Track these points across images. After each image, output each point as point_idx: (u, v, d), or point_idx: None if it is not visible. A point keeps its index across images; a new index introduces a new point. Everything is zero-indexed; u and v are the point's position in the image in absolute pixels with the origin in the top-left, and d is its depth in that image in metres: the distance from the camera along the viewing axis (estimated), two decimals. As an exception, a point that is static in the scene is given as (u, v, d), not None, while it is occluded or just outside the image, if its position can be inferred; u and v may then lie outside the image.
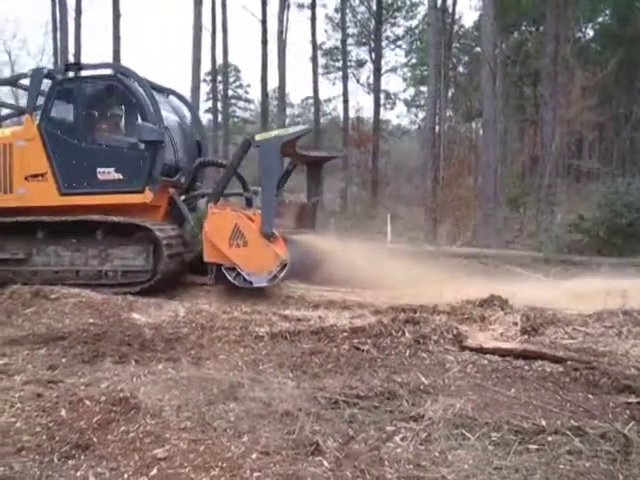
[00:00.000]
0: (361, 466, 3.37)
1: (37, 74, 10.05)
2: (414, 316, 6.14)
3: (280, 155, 8.55)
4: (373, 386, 4.47)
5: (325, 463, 3.43)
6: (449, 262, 11.51)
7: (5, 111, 12.35)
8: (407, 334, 5.68)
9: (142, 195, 9.20)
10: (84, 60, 26.62)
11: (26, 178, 9.58)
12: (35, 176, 9.52)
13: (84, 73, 10.16)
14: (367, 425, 3.90)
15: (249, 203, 9.54)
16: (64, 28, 26.64)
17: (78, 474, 3.38)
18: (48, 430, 3.90)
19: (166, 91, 11.03)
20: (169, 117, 10.10)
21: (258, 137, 8.52)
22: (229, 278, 8.39)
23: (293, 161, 9.82)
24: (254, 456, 3.52)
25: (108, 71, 10.19)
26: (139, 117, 9.45)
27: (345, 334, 5.76)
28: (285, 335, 5.90)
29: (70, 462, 3.51)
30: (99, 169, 9.26)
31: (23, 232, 9.36)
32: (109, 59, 26.12)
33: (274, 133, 8.55)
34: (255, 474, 3.32)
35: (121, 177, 9.23)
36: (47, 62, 28.74)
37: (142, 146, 9.21)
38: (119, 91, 9.65)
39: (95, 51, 63.15)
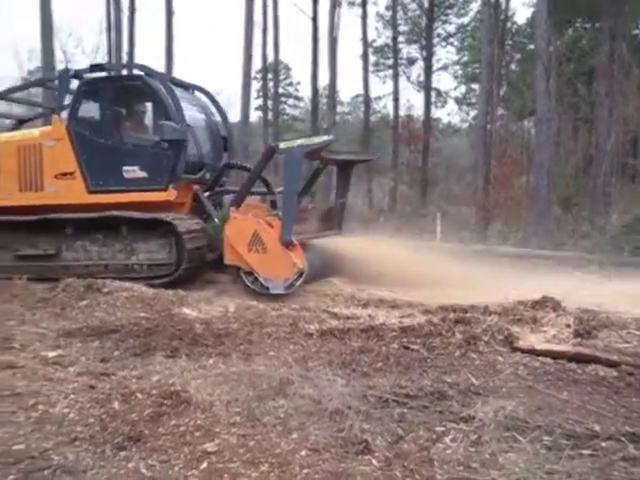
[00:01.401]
0: (410, 466, 3.35)
1: (65, 75, 10.32)
2: (464, 316, 6.07)
3: (302, 165, 8.74)
4: (423, 386, 4.43)
5: (374, 462, 3.42)
6: (500, 262, 11.34)
7: (35, 110, 12.69)
8: (457, 334, 5.62)
9: (165, 193, 9.44)
10: (137, 59, 27.11)
11: (56, 177, 9.87)
12: (64, 175, 9.81)
13: (109, 74, 10.47)
14: (417, 425, 3.87)
15: (273, 205, 9.58)
16: (118, 27, 27.09)
17: (130, 465, 3.43)
18: (101, 421, 3.97)
19: (192, 88, 11.24)
20: (194, 114, 10.32)
21: (282, 145, 8.60)
22: (246, 282, 8.55)
23: (322, 162, 9.91)
24: (303, 453, 3.52)
25: (132, 71, 10.43)
26: (162, 116, 9.61)
27: (394, 333, 5.73)
28: (334, 333, 5.89)
29: (122, 453, 3.57)
30: (125, 167, 9.53)
31: (53, 229, 9.67)
32: (162, 57, 26.54)
33: (298, 142, 8.58)
34: (304, 471, 3.32)
35: (145, 175, 9.48)
36: (101, 60, 29.14)
37: (165, 145, 9.37)
38: (143, 90, 9.89)
39: (148, 49, 64.09)
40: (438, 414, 4.04)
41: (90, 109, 10.03)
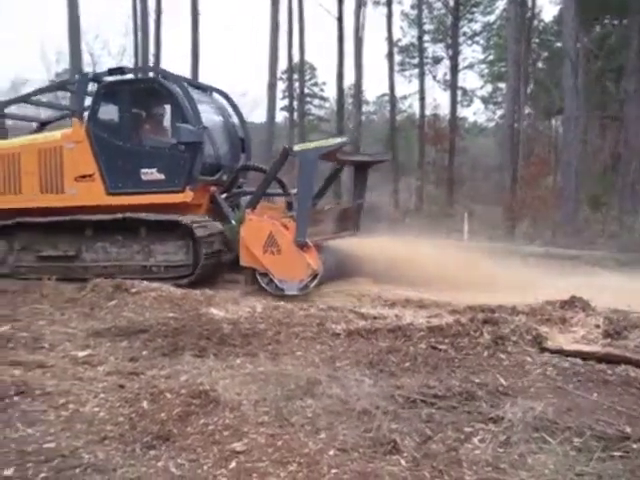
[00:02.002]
0: (439, 466, 3.34)
1: (84, 78, 10.52)
2: (492, 316, 6.02)
3: (316, 167, 8.72)
4: (451, 386, 4.41)
5: (402, 462, 3.41)
6: (528, 262, 11.27)
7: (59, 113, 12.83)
8: (485, 334, 5.58)
9: (183, 194, 9.54)
10: (164, 60, 27.29)
11: (76, 179, 10.05)
12: (84, 177, 10.00)
13: (127, 77, 10.58)
14: (445, 425, 3.86)
15: (289, 207, 9.62)
16: (144, 28, 27.25)
17: (159, 464, 3.46)
18: (130, 420, 4.00)
19: (209, 90, 11.39)
20: (211, 116, 10.47)
21: (297, 147, 8.70)
22: (262, 284, 8.65)
23: (339, 164, 9.94)
24: (331, 453, 3.53)
25: (149, 74, 10.52)
26: (179, 119, 9.70)
27: (422, 333, 5.70)
28: (362, 333, 5.88)
29: (151, 452, 3.60)
30: (143, 170, 9.67)
31: (73, 230, 9.83)
32: (188, 58, 26.66)
33: (313, 144, 8.66)
34: (332, 471, 3.32)
35: (163, 177, 9.61)
36: (128, 62, 29.41)
37: (182, 147, 9.46)
38: (160, 93, 10.00)
39: (174, 50, 64.37)
40: (466, 414, 4.02)
41: (109, 112, 10.20)
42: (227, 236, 9.45)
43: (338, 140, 8.82)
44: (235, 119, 11.46)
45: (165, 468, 3.41)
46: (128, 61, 29.40)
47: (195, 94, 10.18)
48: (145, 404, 4.23)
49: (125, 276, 9.09)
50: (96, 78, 10.61)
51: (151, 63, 27.17)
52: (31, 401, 4.35)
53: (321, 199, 10.32)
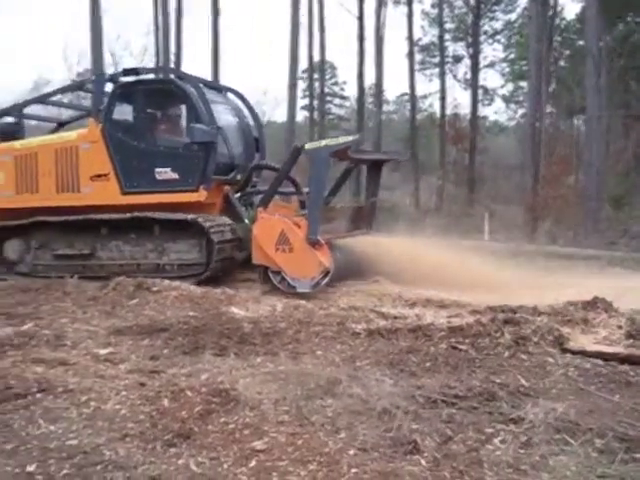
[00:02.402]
0: (460, 467, 3.33)
1: (100, 79, 10.65)
2: (513, 316, 5.98)
3: (328, 165, 8.75)
4: (472, 386, 4.39)
5: (423, 462, 3.40)
6: (549, 262, 11.22)
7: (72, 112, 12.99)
8: (506, 335, 5.54)
9: (196, 194, 9.60)
10: (184, 60, 27.40)
11: (91, 178, 10.15)
12: (99, 176, 10.09)
13: (142, 77, 10.60)
14: (466, 426, 3.84)
15: (302, 205, 9.63)
16: (165, 28, 27.36)
17: (180, 462, 3.47)
18: (151, 418, 4.02)
19: (224, 89, 11.55)
20: (226, 116, 10.55)
21: (308, 146, 8.76)
22: (274, 281, 8.69)
23: (352, 162, 9.98)
24: (352, 452, 3.52)
25: (164, 75, 10.62)
26: (193, 119, 9.77)
27: (443, 333, 5.68)
28: (382, 332, 5.86)
29: (172, 450, 3.61)
30: (157, 169, 9.75)
31: (89, 229, 9.95)
32: (208, 58, 26.75)
33: (324, 142, 8.72)
34: (352, 470, 3.32)
35: (177, 177, 9.68)
36: (149, 62, 29.54)
37: (195, 147, 9.54)
38: (174, 93, 10.08)
39: (195, 50, 64.72)
40: (487, 415, 4.00)
41: (124, 112, 10.29)
42: (240, 235, 9.50)
43: (349, 138, 8.84)
44: (250, 119, 11.53)
45: (185, 466, 3.43)
46: (149, 61, 29.56)
47: (210, 94, 10.27)
48: (166, 402, 4.25)
49: (139, 274, 9.20)
50: (112, 79, 10.72)
51: (172, 63, 27.28)
52: (53, 398, 4.38)
53: (334, 197, 10.35)
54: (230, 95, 11.66)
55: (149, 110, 10.42)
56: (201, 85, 10.28)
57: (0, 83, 63.95)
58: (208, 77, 25.58)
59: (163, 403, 4.23)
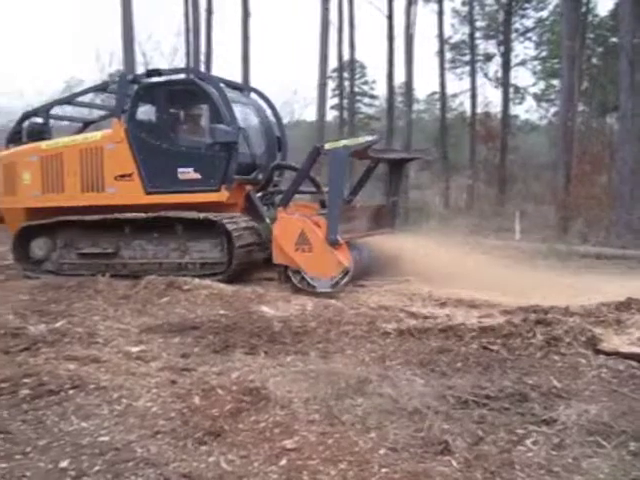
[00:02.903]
0: (491, 468, 3.31)
1: (123, 80, 10.85)
2: (545, 317, 5.92)
3: (346, 165, 8.93)
4: (503, 387, 4.35)
5: (454, 463, 3.38)
6: (581, 262, 11.13)
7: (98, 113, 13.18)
8: (538, 335, 5.48)
9: (218, 193, 9.69)
10: (215, 60, 27.51)
11: (115, 178, 10.28)
12: (123, 176, 10.23)
13: (164, 78, 10.77)
14: (497, 427, 3.81)
15: (323, 205, 9.63)
16: (196, 29, 27.47)
17: (210, 460, 3.49)
18: (182, 416, 4.05)
19: (247, 89, 11.75)
20: (247, 115, 10.69)
21: (327, 146, 8.74)
22: (294, 281, 8.73)
23: (373, 161, 9.98)
24: (382, 452, 3.52)
25: (186, 75, 10.75)
26: (215, 119, 9.84)
27: (474, 333, 5.63)
28: (412, 332, 5.83)
29: (203, 448, 3.64)
30: (179, 169, 9.86)
31: (112, 228, 10.09)
32: (238, 57, 26.85)
33: (342, 143, 8.72)
34: (383, 470, 3.31)
35: (199, 177, 9.79)
36: (179, 62, 29.67)
37: (217, 147, 9.62)
38: (196, 94, 10.16)
39: (225, 50, 64.94)
40: (519, 416, 3.97)
41: (147, 112, 10.45)
42: (261, 234, 9.56)
43: (368, 138, 8.84)
44: (272, 118, 11.61)
45: (216, 464, 3.45)
46: (180, 61, 29.67)
47: (231, 94, 10.39)
48: (197, 400, 4.28)
49: (161, 273, 9.33)
50: (135, 80, 10.87)
51: (202, 63, 27.41)
52: (86, 395, 4.43)
53: (356, 196, 10.43)
54: (252, 94, 11.79)
55: (171, 111, 10.53)
56: (222, 85, 10.36)
57: (32, 84, 64.75)
58: (238, 77, 25.76)
59: (194, 401, 4.26)
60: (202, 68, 26.85)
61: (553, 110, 37.11)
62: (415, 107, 39.29)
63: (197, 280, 8.52)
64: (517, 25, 35.41)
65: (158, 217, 9.63)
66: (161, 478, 3.28)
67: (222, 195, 9.69)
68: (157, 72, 10.89)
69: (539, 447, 3.56)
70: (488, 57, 36.86)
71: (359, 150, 8.67)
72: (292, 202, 9.55)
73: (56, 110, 12.71)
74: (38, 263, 10.86)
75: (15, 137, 11.92)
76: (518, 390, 4.32)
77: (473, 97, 32.71)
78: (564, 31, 22.77)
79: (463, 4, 34.96)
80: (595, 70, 31.43)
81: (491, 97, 67.53)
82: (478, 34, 35.62)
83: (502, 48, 34.14)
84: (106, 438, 3.77)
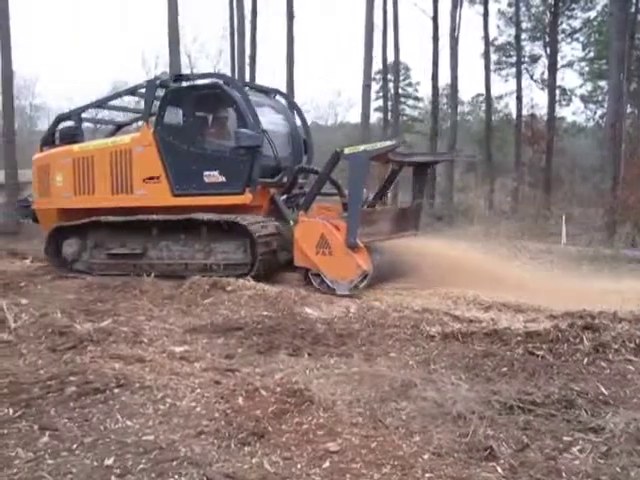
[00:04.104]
0: (537, 475, 3.26)
1: (151, 84, 10.98)
2: (592, 322, 5.82)
3: (366, 169, 8.96)
4: (549, 393, 4.27)
5: (499, 469, 3.34)
6: (630, 267, 10.91)
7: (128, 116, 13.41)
8: (585, 341, 5.39)
9: (242, 196, 9.80)
10: (259, 62, 27.67)
11: (144, 180, 10.49)
12: (151, 179, 10.44)
13: (191, 83, 11.03)
14: (543, 433, 3.75)
15: (346, 207, 9.60)
16: (241, 31, 27.65)
17: (253, 461, 3.49)
18: (226, 416, 4.07)
19: (273, 92, 11.81)
20: (273, 119, 10.80)
21: (347, 150, 8.79)
22: (314, 283, 8.85)
23: (397, 165, 10.04)
24: (426, 456, 3.49)
25: (212, 80, 10.90)
26: (239, 123, 9.96)
27: (519, 338, 5.56)
28: (457, 336, 5.79)
29: (246, 448, 3.64)
30: (205, 172, 10.02)
31: (140, 229, 10.29)
32: (283, 59, 26.95)
33: (362, 147, 8.77)
34: (427, 475, 3.29)
35: (224, 180, 9.92)
36: (224, 64, 29.98)
37: (241, 151, 9.72)
38: (221, 98, 10.30)
39: (270, 52, 65.25)
40: (565, 423, 3.91)
41: (174, 116, 10.57)
42: (284, 236, 9.61)
43: (387, 143, 9.00)
44: (298, 121, 11.72)
45: (259, 465, 3.45)
46: (225, 63, 29.93)
47: (257, 98, 10.60)
48: (240, 400, 4.29)
49: (187, 273, 9.53)
50: (163, 84, 11.00)
51: (247, 65, 27.59)
52: (131, 394, 4.47)
53: (380, 200, 10.57)
54: (279, 98, 11.93)
55: (198, 115, 10.69)
56: (247, 89, 10.58)
57: (81, 88, 65.86)
58: (282, 79, 25.86)
59: (238, 401, 4.28)
60: (247, 70, 27.07)
61: (600, 112, 36.55)
62: (460, 109, 39.00)
63: (241, 281, 8.60)
64: (564, 26, 35.03)
65: (184, 219, 9.79)
66: (204, 478, 3.29)
67: (246, 198, 9.81)
68: (184, 77, 11.19)
69: (586, 455, 3.50)
70: (534, 59, 36.49)
71: (379, 154, 8.76)
72: (315, 204, 9.74)
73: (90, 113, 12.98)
74: (69, 263, 11.14)
75: (49, 140, 12.30)
76: (564, 396, 4.24)
77: (519, 99, 32.41)
78: (612, 31, 22.43)
79: (509, 5, 34.73)
80: (645, 71, 30.85)
81: (537, 99, 66.82)
82: (524, 35, 35.30)
83: (548, 49, 33.77)
84: (150, 437, 3.80)
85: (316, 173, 10.31)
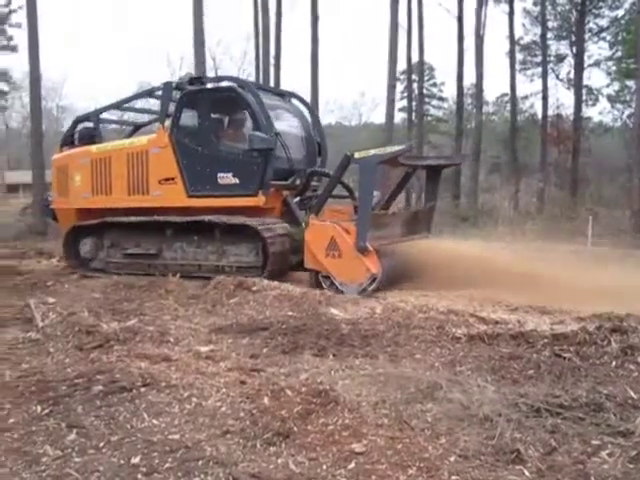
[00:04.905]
0: (565, 479, 3.23)
1: (167, 87, 11.13)
2: (621, 325, 5.74)
3: (376, 173, 9.01)
4: (577, 396, 4.22)
5: (526, 472, 3.32)
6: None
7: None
8: (613, 344, 5.33)
9: (255, 198, 9.91)
10: (284, 63, 27.72)
11: (159, 181, 10.65)
12: (167, 180, 10.59)
13: (206, 86, 11.09)
14: (571, 437, 3.71)
15: (357, 211, 9.61)
16: (265, 32, 27.71)
17: (279, 461, 3.50)
18: (251, 416, 4.07)
19: (288, 95, 12.00)
20: (287, 122, 11.01)
21: (357, 155, 8.88)
22: (323, 285, 8.91)
23: (410, 168, 10.10)
24: (452, 459, 3.47)
25: (227, 84, 11.03)
26: (252, 126, 10.10)
27: (546, 340, 5.50)
28: (483, 337, 5.74)
29: (272, 448, 3.65)
30: (219, 174, 10.17)
31: (155, 230, 10.45)
32: (307, 60, 26.99)
33: (372, 152, 8.84)
34: (453, 477, 3.28)
35: (237, 182, 10.06)
36: (248, 66, 30.08)
37: (254, 154, 9.83)
38: (235, 101, 10.45)
39: (294, 53, 65.41)
40: (594, 427, 3.86)
41: (189, 119, 10.71)
42: (296, 238, 9.67)
43: (396, 148, 9.00)
44: (312, 124, 11.81)
45: (285, 465, 3.45)
46: (249, 64, 30.02)
47: (271, 101, 10.74)
48: (266, 400, 4.30)
49: (200, 274, 9.72)
50: (178, 87, 11.13)
51: (272, 66, 27.65)
52: (157, 393, 4.50)
53: (392, 203, 10.60)
54: (294, 100, 12.05)
55: (213, 117, 10.84)
56: (261, 92, 10.67)
57: (107, 89, 66.43)
58: (307, 80, 25.89)
59: (263, 401, 4.28)
60: (271, 71, 27.13)
61: (628, 112, 36.12)
62: (485, 109, 38.81)
63: (266, 281, 8.63)
64: (591, 24, 34.57)
65: (196, 221, 9.93)
66: (230, 478, 3.30)
67: (259, 200, 9.92)
68: (199, 80, 11.23)
69: (615, 459, 3.46)
70: (560, 58, 36.12)
71: (390, 158, 8.82)
72: (327, 206, 9.83)
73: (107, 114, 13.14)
74: (86, 261, 11.36)
75: (68, 140, 12.50)
76: (592, 400, 4.19)
77: (544, 99, 32.12)
78: (640, 30, 22.18)
79: (534, 4, 34.38)
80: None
81: (563, 99, 66.17)
82: (550, 34, 34.94)
83: (575, 48, 33.42)
84: (176, 436, 3.82)
85: (328, 176, 10.42)
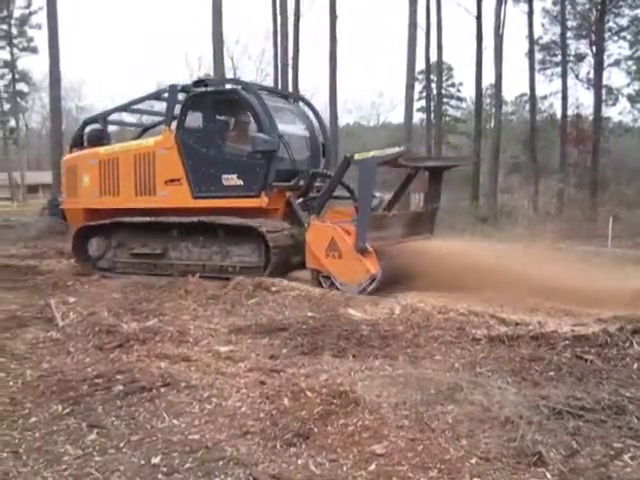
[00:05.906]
0: (587, 482, 3.21)
1: (173, 89, 11.23)
2: (642, 327, 5.72)
3: (375, 175, 9.10)
4: (599, 399, 4.19)
5: (548, 475, 3.30)
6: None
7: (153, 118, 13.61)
8: (635, 346, 5.28)
9: (259, 199, 9.93)
10: (302, 63, 27.79)
11: (166, 183, 10.70)
12: (173, 181, 10.64)
13: (210, 88, 11.01)
14: (593, 439, 3.68)
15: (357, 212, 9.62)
16: (284, 32, 27.76)
17: (299, 462, 3.50)
18: (271, 417, 4.08)
19: (292, 97, 12.18)
20: (290, 123, 11.04)
21: (357, 156, 8.95)
22: (324, 286, 8.94)
23: (413, 169, 10.12)
24: (473, 461, 3.45)
25: (231, 86, 11.33)
26: (255, 128, 10.19)
27: (567, 342, 5.46)
28: (503, 339, 5.71)
29: (292, 449, 3.66)
30: (224, 175, 10.21)
31: (161, 230, 10.56)
32: (325, 59, 27.02)
33: (371, 154, 8.90)
34: (474, 479, 3.26)
35: (241, 183, 10.09)
36: (266, 66, 30.16)
37: (258, 155, 9.88)
38: (239, 103, 10.52)
39: (313, 53, 65.55)
40: (616, 429, 3.82)
41: (194, 121, 10.77)
42: (299, 239, 9.69)
43: (395, 150, 9.10)
44: (316, 125, 11.86)
45: (305, 466, 3.46)
46: (267, 63, 30.08)
47: (274, 102, 10.79)
48: (286, 401, 4.29)
49: (204, 274, 9.73)
50: (184, 89, 11.22)
51: (290, 65, 27.70)
52: (177, 393, 4.52)
53: (395, 204, 10.60)
54: (299, 103, 12.15)
55: (217, 119, 10.90)
56: (265, 94, 10.80)
57: (124, 88, 66.90)
58: (325, 79, 25.91)
59: (283, 402, 4.28)
60: (290, 71, 27.18)
61: (648, 112, 35.89)
62: (503, 109, 38.67)
63: (285, 282, 8.67)
64: (611, 24, 34.36)
65: (200, 222, 9.99)
66: (250, 478, 3.31)
67: (262, 201, 9.94)
68: (204, 82, 11.28)
69: (638, 462, 3.43)
70: (580, 57, 35.93)
71: (389, 160, 8.90)
72: (328, 207, 9.90)
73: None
74: (94, 261, 11.45)
75: (78, 142, 12.58)
76: (615, 402, 4.16)
77: (564, 99, 31.98)
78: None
79: (554, 4, 34.28)
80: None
81: (582, 99, 65.81)
82: (569, 34, 34.79)
83: (595, 48, 33.22)
84: (196, 436, 3.83)
85: (328, 178, 10.43)
